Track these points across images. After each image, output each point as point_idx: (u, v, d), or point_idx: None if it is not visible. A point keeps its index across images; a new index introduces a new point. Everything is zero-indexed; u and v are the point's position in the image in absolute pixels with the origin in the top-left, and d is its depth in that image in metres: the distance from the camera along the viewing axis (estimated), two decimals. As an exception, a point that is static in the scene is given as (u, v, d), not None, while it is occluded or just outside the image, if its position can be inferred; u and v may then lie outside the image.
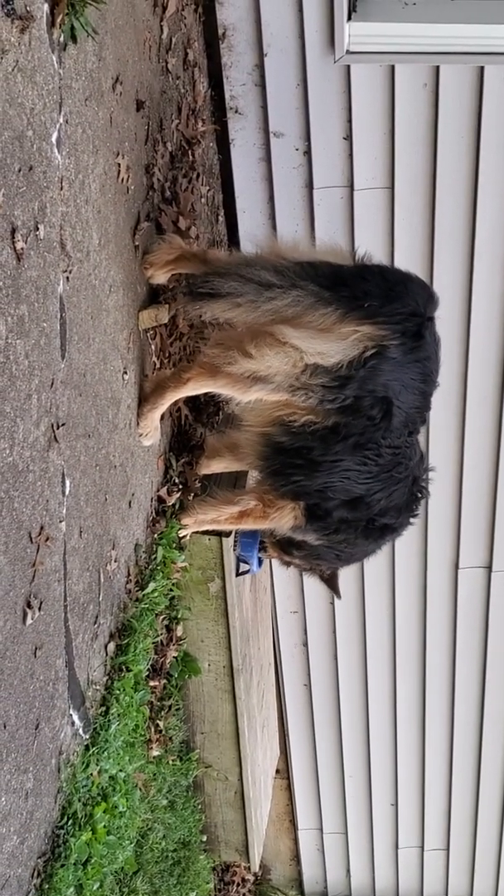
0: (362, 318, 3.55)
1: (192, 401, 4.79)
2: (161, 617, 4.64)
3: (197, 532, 4.63)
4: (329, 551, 4.25)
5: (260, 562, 4.89)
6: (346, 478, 3.86)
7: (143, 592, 4.22)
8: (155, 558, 4.36)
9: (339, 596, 4.64)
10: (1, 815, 2.97)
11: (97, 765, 3.79)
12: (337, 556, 4.30)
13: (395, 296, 3.61)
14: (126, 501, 3.97)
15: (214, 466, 4.50)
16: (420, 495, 4.11)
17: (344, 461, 3.82)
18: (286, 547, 4.41)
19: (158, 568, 4.37)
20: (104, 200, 3.46)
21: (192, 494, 4.60)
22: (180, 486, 4.58)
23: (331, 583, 4.54)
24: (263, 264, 3.69)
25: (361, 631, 6.66)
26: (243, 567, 4.87)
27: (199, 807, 5.80)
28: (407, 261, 5.09)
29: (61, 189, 3.02)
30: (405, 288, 3.68)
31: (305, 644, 6.80)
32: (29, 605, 3.00)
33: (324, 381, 3.62)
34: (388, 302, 3.59)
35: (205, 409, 4.94)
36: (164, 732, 4.96)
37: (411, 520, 4.20)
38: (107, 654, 3.90)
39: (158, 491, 4.44)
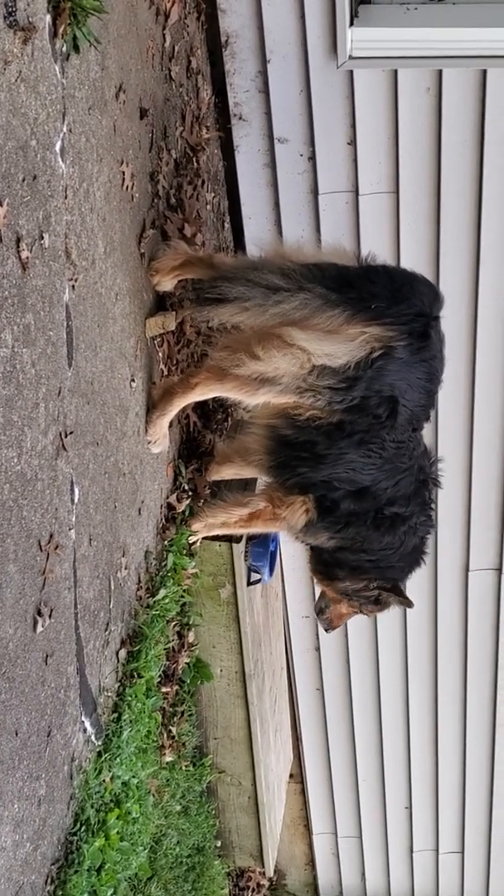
0: (369, 320, 3.56)
1: (200, 407, 4.80)
2: (172, 623, 4.64)
3: (207, 538, 4.64)
4: (358, 557, 4.13)
5: (271, 571, 4.88)
6: (352, 469, 3.84)
7: (154, 599, 4.22)
8: (165, 565, 4.37)
9: (410, 605, 4.34)
10: (14, 821, 2.98)
11: (110, 771, 3.80)
12: (371, 562, 4.13)
13: (402, 296, 3.62)
14: (136, 509, 3.98)
15: (225, 472, 4.50)
16: (428, 483, 4.07)
17: (348, 454, 3.81)
18: (330, 569, 4.23)
19: (169, 574, 4.38)
20: (109, 209, 3.47)
21: (202, 501, 4.60)
22: (190, 493, 4.58)
23: (397, 595, 4.27)
24: (270, 268, 3.70)
25: (373, 634, 6.65)
26: (254, 576, 4.87)
27: (213, 812, 5.81)
28: (413, 264, 5.07)
29: (66, 198, 3.03)
30: (411, 288, 3.68)
31: (318, 648, 6.79)
32: (39, 613, 3.01)
33: (331, 383, 3.62)
34: (395, 303, 3.59)
35: (213, 415, 4.95)
36: (176, 738, 4.97)
37: (429, 511, 4.12)
38: (118, 661, 3.91)
39: (168, 498, 4.45)
